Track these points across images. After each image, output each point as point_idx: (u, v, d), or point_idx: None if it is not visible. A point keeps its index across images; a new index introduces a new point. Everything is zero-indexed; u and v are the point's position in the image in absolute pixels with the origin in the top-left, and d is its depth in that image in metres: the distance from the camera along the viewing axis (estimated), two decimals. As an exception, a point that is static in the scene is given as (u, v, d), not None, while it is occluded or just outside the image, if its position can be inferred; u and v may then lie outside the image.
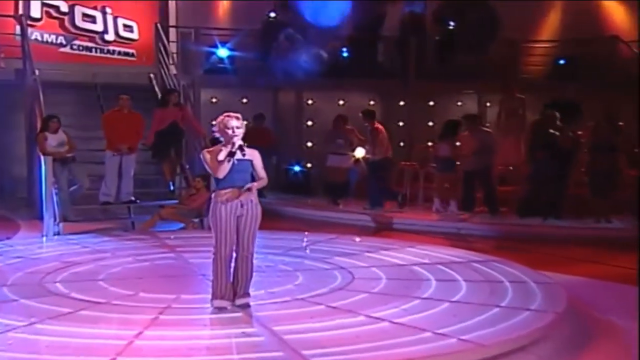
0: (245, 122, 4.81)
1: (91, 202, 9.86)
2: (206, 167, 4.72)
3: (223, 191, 4.75)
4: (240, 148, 4.65)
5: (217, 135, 4.72)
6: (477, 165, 10.23)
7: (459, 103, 15.26)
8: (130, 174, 9.93)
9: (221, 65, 13.22)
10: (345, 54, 14.37)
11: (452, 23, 14.92)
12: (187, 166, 10.85)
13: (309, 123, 14.26)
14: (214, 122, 4.71)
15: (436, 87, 14.53)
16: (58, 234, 8.78)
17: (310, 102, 14.31)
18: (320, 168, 12.84)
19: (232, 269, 4.88)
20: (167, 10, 14.13)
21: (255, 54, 12.83)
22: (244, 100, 13.70)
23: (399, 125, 14.30)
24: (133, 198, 9.98)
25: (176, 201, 10.02)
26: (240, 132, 4.65)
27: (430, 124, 14.99)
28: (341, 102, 14.51)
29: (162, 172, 10.57)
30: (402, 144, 13.51)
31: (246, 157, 4.70)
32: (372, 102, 14.48)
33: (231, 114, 4.71)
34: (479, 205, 10.67)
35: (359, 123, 11.32)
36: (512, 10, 14.87)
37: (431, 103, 15.16)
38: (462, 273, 6.27)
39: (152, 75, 13.18)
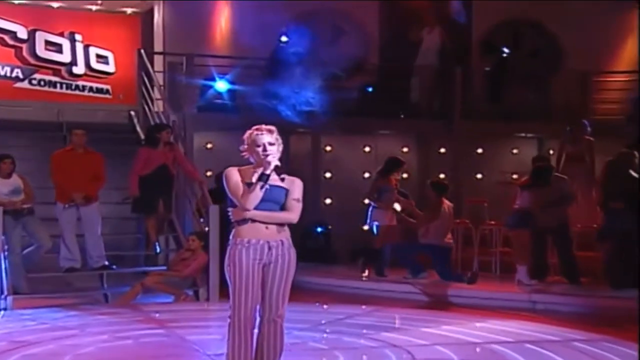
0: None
1: (52, 268, 9.46)
2: (228, 193, 4.54)
3: (245, 227, 4.52)
4: (277, 170, 4.47)
5: (245, 155, 4.60)
6: (551, 222, 9.92)
7: (515, 150, 15.00)
8: (97, 232, 9.57)
9: (219, 102, 13.06)
10: (371, 90, 14.13)
11: (505, 50, 14.86)
12: (178, 222, 10.62)
13: (327, 175, 14.00)
14: (243, 139, 4.60)
15: (485, 130, 14.30)
16: (5, 309, 8.39)
17: (328, 148, 14.05)
18: (344, 229, 12.66)
19: (254, 338, 4.60)
20: (152, 34, 14.19)
21: (262, 88, 12.53)
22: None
23: (439, 178, 13.80)
24: (106, 263, 9.57)
25: (164, 267, 9.83)
26: (274, 149, 4.51)
27: (479, 176, 14.73)
28: (367, 149, 14.29)
29: (145, 230, 10.39)
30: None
31: (283, 184, 4.55)
32: (405, 150, 14.22)
33: (262, 126, 4.58)
34: (553, 273, 10.43)
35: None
36: (579, 38, 15.20)
37: (479, 150, 14.88)
38: (563, 354, 5.97)
39: (132, 113, 13.19)
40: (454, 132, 14.30)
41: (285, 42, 13.81)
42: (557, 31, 15.54)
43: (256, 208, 4.48)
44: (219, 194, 9.97)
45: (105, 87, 14.50)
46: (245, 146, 4.59)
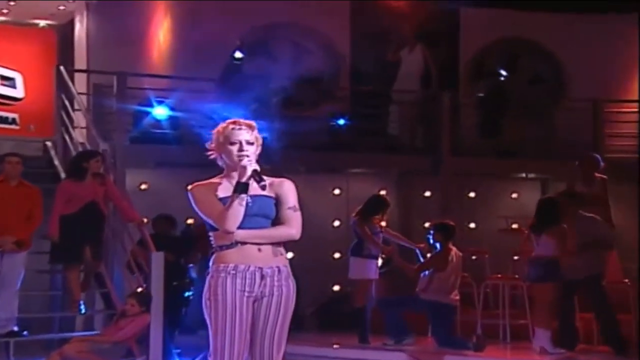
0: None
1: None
2: (200, 214, 4.55)
3: (231, 251, 4.53)
4: (256, 175, 4.48)
5: (213, 156, 4.64)
6: (582, 272, 9.66)
7: (514, 195, 14.85)
8: (15, 286, 9.39)
9: (157, 132, 12.78)
10: (342, 120, 14.10)
11: (502, 73, 15.01)
12: (109, 275, 10.36)
13: None
14: (212, 133, 4.65)
15: (479, 170, 14.20)
16: None
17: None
18: (309, 289, 11.83)
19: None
20: (72, 50, 14.07)
21: (210, 115, 11.48)
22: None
23: (424, 226, 13.32)
24: (16, 328, 9.37)
25: (91, 332, 9.64)
26: (252, 150, 4.57)
27: (472, 225, 14.53)
28: (336, 192, 14.13)
29: (66, 286, 10.15)
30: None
31: (266, 192, 4.57)
32: (382, 192, 13.65)
33: (240, 120, 4.64)
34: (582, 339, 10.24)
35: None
36: (585, 60, 15.25)
37: (471, 194, 14.68)
38: None
39: (49, 144, 12.91)
40: (442, 171, 14.12)
41: (239, 60, 13.67)
42: (559, 51, 15.55)
43: (241, 227, 4.44)
44: (160, 241, 9.85)
45: (10, 115, 14.33)
46: (213, 144, 4.60)
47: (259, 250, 4.52)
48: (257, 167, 4.49)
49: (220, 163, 4.61)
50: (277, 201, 4.58)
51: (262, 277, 4.52)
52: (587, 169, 11.46)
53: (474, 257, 12.74)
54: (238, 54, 13.65)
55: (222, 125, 4.60)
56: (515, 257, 12.08)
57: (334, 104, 14.43)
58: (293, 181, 4.55)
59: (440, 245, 10.48)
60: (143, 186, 13.01)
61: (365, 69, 14.89)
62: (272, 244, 4.54)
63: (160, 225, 10.58)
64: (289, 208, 4.59)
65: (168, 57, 14.13)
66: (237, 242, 4.48)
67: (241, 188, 4.41)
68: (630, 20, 15.15)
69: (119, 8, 13.71)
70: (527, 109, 14.80)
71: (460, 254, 10.62)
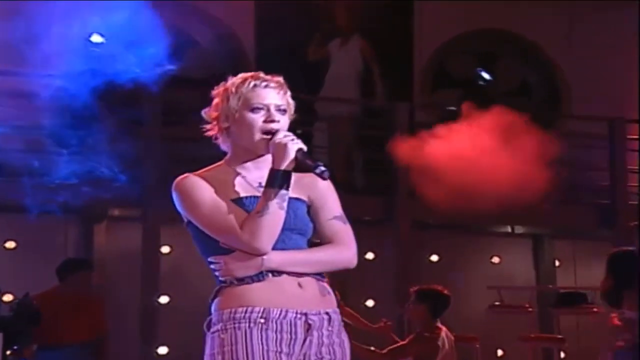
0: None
1: None
2: (196, 224, 4.25)
3: (255, 287, 4.23)
4: (306, 159, 4.19)
5: (212, 133, 4.41)
6: None
7: (495, 259, 14.33)
8: None
9: None
10: None
11: (485, 76, 14.89)
12: None
13: (164, 299, 13.06)
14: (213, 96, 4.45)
15: (446, 226, 13.49)
16: None
17: (167, 249, 13.20)
18: None
19: None
20: None
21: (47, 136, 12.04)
22: (11, 245, 13.01)
23: (366, 305, 13.57)
24: None
25: None
26: (284, 121, 4.29)
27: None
28: None
29: None
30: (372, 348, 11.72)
31: (295, 194, 4.30)
32: None
33: (261, 74, 4.36)
34: None
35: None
36: (597, 68, 15.00)
37: (433, 258, 14.13)
38: None
39: None
40: (396, 220, 13.38)
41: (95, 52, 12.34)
42: (555, 55, 15.50)
43: (274, 247, 4.25)
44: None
45: None
46: (218, 111, 4.34)
47: (300, 285, 4.24)
48: (304, 147, 4.20)
49: (223, 146, 4.34)
50: (311, 208, 4.37)
51: (309, 327, 4.25)
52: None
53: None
54: (97, 37, 12.50)
55: (235, 80, 4.32)
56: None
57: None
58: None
59: (425, 324, 9.65)
60: None
61: (276, 69, 13.33)
62: (317, 275, 4.28)
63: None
64: (335, 218, 4.37)
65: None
66: (267, 272, 4.22)
67: (282, 179, 4.13)
68: None
69: None
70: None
71: (452, 337, 9.90)
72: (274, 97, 4.26)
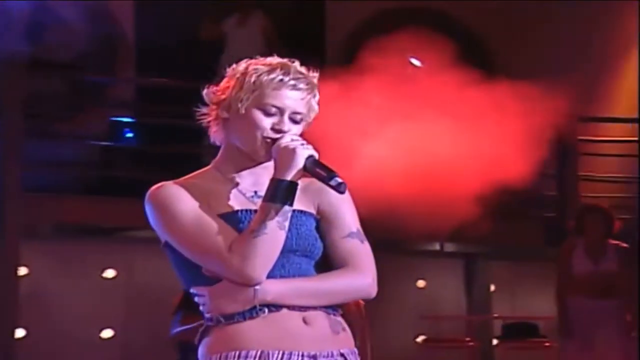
0: None
1: None
2: (174, 244, 4.04)
3: (248, 325, 4.07)
4: (318, 168, 4.00)
5: (210, 123, 4.16)
6: None
7: (420, 282, 14.26)
8: None
9: None
10: (124, 140, 13.89)
11: (415, 62, 14.39)
12: None
13: (20, 333, 12.56)
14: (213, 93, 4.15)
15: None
16: None
17: (24, 271, 12.59)
18: None
19: None
20: None
21: None
22: None
23: None
24: None
25: None
26: (296, 130, 4.08)
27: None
28: (109, 274, 13.10)
29: None
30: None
31: (300, 205, 4.10)
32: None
33: (290, 63, 4.07)
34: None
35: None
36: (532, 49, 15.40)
37: None
38: None
39: None
40: None
41: None
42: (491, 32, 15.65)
43: (270, 274, 4.05)
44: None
45: None
46: (221, 98, 4.06)
47: (305, 321, 3.90)
48: (315, 153, 3.95)
49: (215, 138, 4.06)
50: (320, 222, 4.07)
51: None
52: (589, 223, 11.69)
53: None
54: None
55: (259, 65, 3.89)
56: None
57: (104, 112, 13.66)
58: None
59: None
60: None
61: (161, 52, 14.14)
62: (328, 308, 3.97)
63: None
64: (351, 235, 4.06)
65: None
66: (263, 307, 3.94)
67: (285, 192, 3.87)
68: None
69: None
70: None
71: None
72: (295, 101, 3.99)
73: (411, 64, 13.63)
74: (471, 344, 12.70)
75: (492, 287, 14.67)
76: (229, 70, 4.04)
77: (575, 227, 11.54)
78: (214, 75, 13.25)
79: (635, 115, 14.49)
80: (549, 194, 13.89)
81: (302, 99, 3.99)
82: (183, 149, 13.48)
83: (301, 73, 4.01)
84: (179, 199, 4.04)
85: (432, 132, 8.20)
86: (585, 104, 13.60)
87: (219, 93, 4.04)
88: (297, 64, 4.04)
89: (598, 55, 15.54)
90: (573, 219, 12.04)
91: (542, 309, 13.20)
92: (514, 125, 8.40)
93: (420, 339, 13.51)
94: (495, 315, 14.16)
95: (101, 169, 13.78)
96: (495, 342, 13.33)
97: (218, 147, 11.29)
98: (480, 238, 13.36)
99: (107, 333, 12.33)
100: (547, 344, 12.57)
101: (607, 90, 15.39)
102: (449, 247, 14.75)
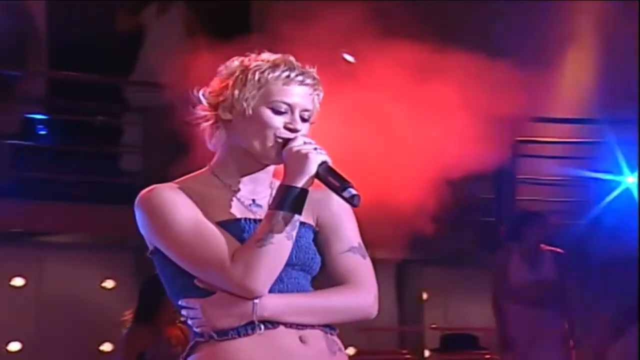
0: None
1: None
2: (166, 252, 3.93)
3: (242, 343, 4.00)
4: (331, 175, 3.96)
5: (207, 122, 4.09)
6: None
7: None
8: None
9: None
10: (35, 138, 13.16)
11: (348, 58, 14.95)
12: None
13: None
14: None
15: None
16: None
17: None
18: None
19: None
20: None
21: None
22: None
23: None
24: None
25: None
26: (306, 129, 4.05)
27: None
28: (17, 282, 12.60)
29: None
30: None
31: (307, 218, 4.10)
32: (108, 283, 12.79)
33: (293, 60, 4.13)
34: None
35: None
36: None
37: None
38: None
39: None
40: None
41: None
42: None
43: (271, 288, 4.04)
44: None
45: None
46: (220, 97, 3.99)
47: (302, 340, 3.84)
48: (329, 159, 3.90)
49: (211, 143, 3.99)
50: (319, 234, 4.03)
51: None
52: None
53: None
54: None
55: (259, 62, 3.86)
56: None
57: (15, 105, 13.15)
58: None
59: None
60: None
61: (75, 45, 13.66)
62: (325, 327, 3.91)
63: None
64: (352, 250, 4.02)
65: None
66: (260, 323, 3.85)
67: (296, 200, 3.81)
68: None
69: None
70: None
71: None
72: (304, 97, 3.96)
73: (344, 59, 13.19)
74: (408, 356, 12.50)
75: (425, 296, 14.66)
76: (221, 69, 3.97)
77: (511, 233, 11.33)
78: (131, 68, 13.02)
79: (575, 116, 14.03)
80: (485, 197, 13.68)
81: (310, 94, 3.95)
82: (100, 148, 13.28)
83: (304, 68, 3.98)
84: (175, 203, 3.94)
85: (362, 130, 7.82)
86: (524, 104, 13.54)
87: (214, 94, 3.93)
88: (294, 60, 4.01)
89: (534, 55, 15.13)
90: (506, 224, 11.79)
91: (477, 317, 13.25)
92: (455, 119, 8.02)
93: (351, 351, 12.76)
94: (434, 325, 13.89)
95: (10, 168, 13.13)
96: (427, 353, 13.15)
97: (138, 145, 10.18)
98: (412, 243, 13.91)
99: (14, 346, 11.96)
100: (487, 357, 12.58)
101: (545, 91, 14.91)
102: (379, 254, 14.38)
